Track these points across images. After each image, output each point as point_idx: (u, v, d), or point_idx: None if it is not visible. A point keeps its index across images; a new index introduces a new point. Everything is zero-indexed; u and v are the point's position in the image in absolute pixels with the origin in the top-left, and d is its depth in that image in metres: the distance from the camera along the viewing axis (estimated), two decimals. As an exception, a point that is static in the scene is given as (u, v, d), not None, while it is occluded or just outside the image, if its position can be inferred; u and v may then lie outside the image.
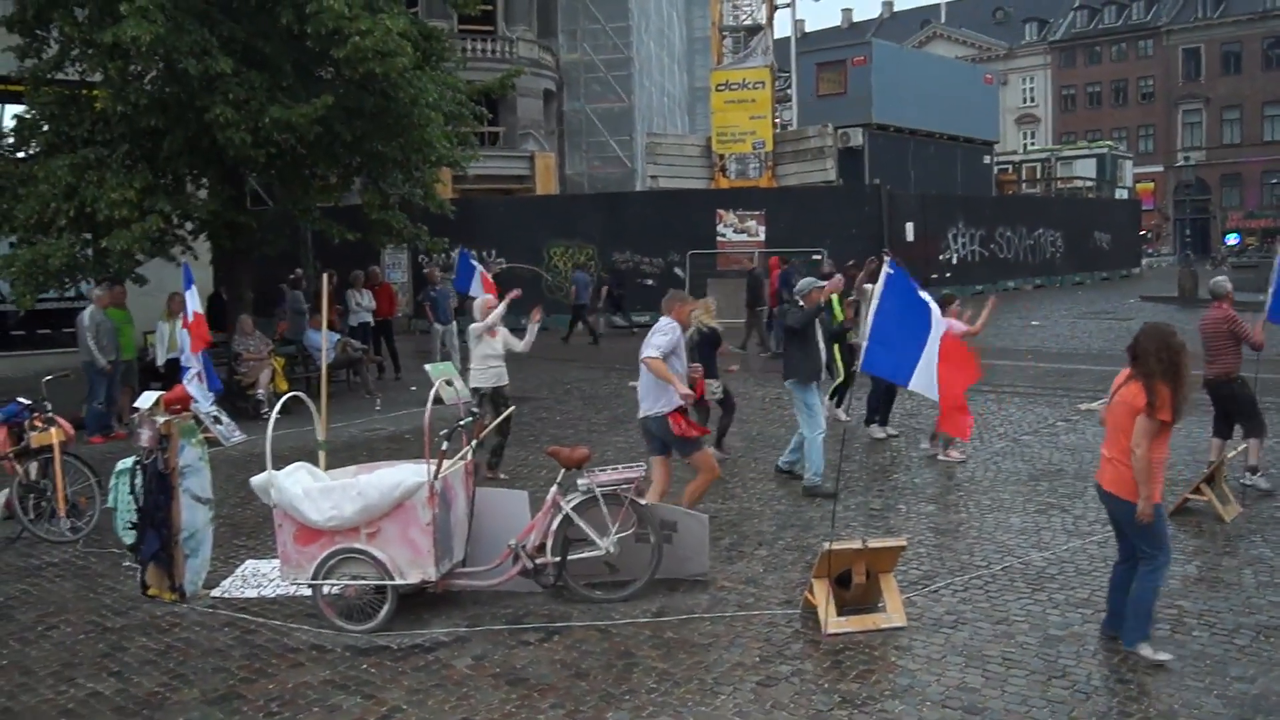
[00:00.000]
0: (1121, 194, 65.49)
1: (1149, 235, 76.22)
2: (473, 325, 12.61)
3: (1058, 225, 46.86)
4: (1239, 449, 11.33)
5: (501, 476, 12.38)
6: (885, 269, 8.65)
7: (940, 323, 8.58)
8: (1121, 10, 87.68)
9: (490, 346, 12.44)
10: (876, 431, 14.63)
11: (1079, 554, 9.32)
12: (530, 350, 12.98)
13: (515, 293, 13.36)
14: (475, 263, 19.63)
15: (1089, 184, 62.96)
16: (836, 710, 6.50)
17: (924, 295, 8.66)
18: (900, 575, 8.48)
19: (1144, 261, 59.88)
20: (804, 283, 12.44)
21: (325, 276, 11.59)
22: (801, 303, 12.05)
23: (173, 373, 16.35)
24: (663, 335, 9.67)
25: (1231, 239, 74.22)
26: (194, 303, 15.47)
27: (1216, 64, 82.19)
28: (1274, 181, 78.36)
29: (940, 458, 13.12)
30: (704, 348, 12.82)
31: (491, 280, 19.03)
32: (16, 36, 17.45)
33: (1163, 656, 7.10)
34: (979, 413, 15.96)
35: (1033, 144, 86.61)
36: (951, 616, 7.98)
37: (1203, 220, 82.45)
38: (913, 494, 11.80)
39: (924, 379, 8.43)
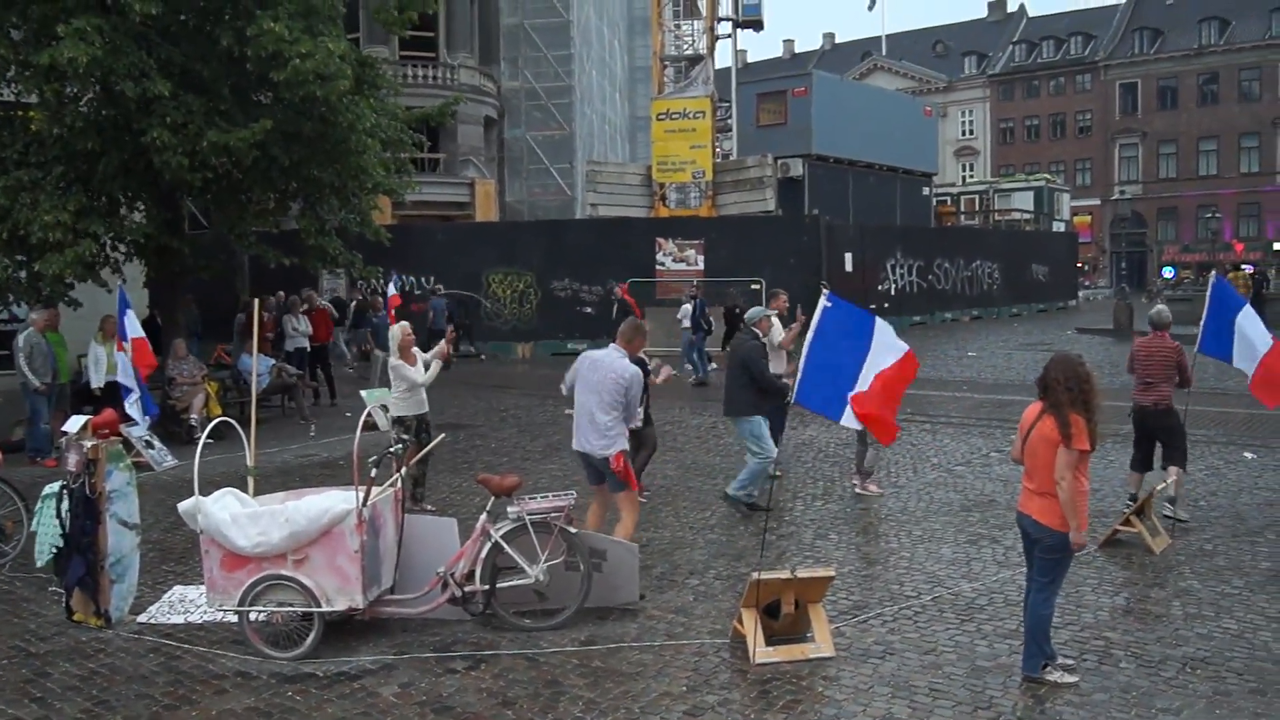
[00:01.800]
0: (1059, 226, 66.23)
1: (1086, 268, 77.08)
2: (391, 361, 12.24)
3: (995, 257, 47.35)
4: (1167, 482, 11.37)
5: (429, 508, 12.12)
6: (823, 301, 8.71)
7: (893, 348, 8.64)
8: (1060, 45, 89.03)
9: (410, 376, 12.05)
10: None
11: (1009, 585, 9.35)
12: (432, 382, 12.37)
13: (445, 343, 13.09)
14: (392, 287, 19.68)
15: (1026, 216, 63.62)
16: (762, 739, 6.51)
17: (880, 330, 8.68)
18: (830, 605, 8.51)
19: (1080, 294, 60.54)
20: (753, 312, 12.51)
21: (256, 301, 11.50)
22: (757, 332, 12.13)
23: (108, 396, 16.20)
24: (633, 393, 9.59)
25: (1168, 272, 75.17)
26: (133, 327, 15.35)
27: (1153, 99, 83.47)
28: (1209, 216, 79.46)
29: (859, 490, 13.10)
30: None
31: (396, 301, 19.04)
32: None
33: (1069, 679, 7.20)
34: (913, 443, 16.11)
35: (971, 176, 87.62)
36: (880, 647, 8.00)
37: (1139, 253, 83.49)
38: (844, 524, 11.84)
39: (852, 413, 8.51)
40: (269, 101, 18.36)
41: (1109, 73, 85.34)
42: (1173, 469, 11.43)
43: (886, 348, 8.64)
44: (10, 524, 10.82)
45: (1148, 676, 7.37)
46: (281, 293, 24.04)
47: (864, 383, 8.51)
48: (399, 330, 12.23)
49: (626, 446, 9.61)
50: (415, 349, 12.25)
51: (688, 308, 25.74)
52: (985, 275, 46.38)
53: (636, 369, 9.70)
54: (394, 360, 12.09)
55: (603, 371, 9.59)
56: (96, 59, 15.23)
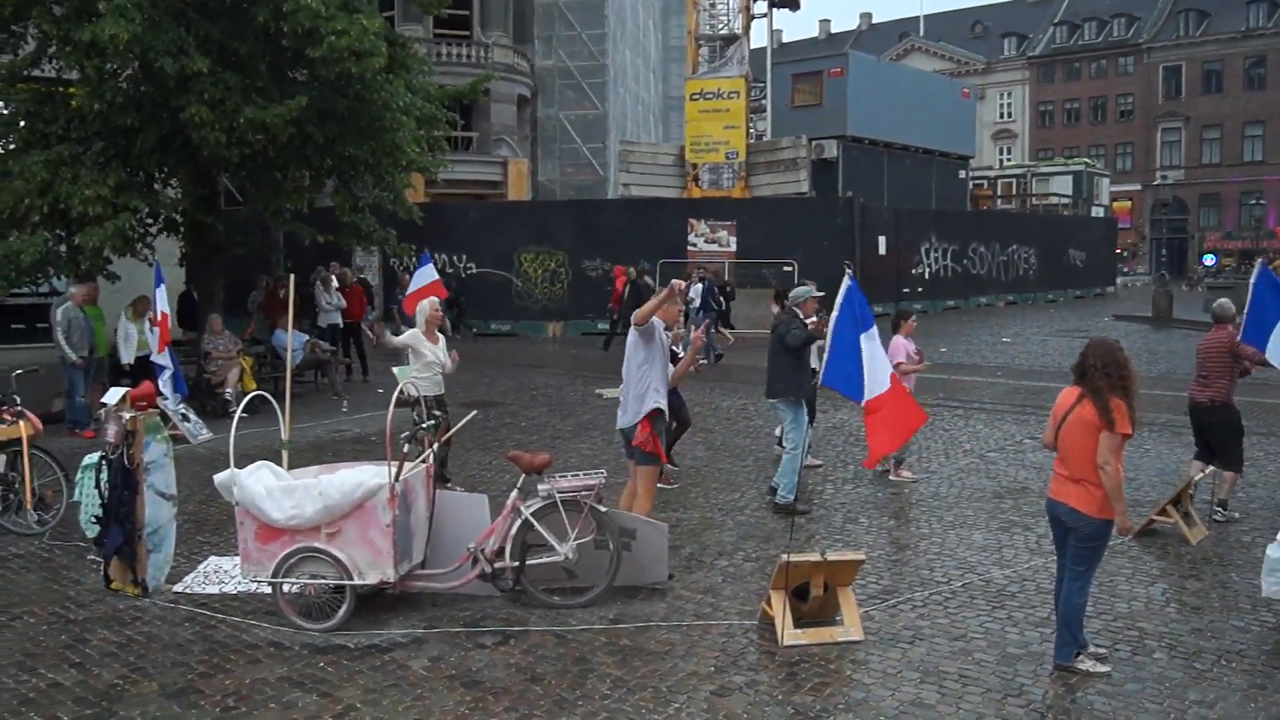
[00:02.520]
0: (1098, 212, 65.61)
1: (1124, 254, 76.38)
2: (409, 332, 12.07)
3: (1032, 242, 46.99)
4: (1207, 470, 11.26)
5: (450, 485, 11.96)
6: (846, 280, 8.70)
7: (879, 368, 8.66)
8: (1102, 27, 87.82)
9: (430, 353, 11.86)
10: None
11: (1040, 572, 9.31)
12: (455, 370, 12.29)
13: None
14: (430, 266, 19.68)
15: (1065, 201, 63.09)
16: (789, 721, 6.53)
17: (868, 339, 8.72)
18: (859, 589, 8.52)
19: (1119, 280, 59.91)
20: (797, 291, 12.29)
21: (291, 278, 11.57)
22: (798, 312, 11.93)
23: (140, 371, 16.40)
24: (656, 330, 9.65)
25: (1209, 260, 74.39)
26: (161, 302, 15.49)
27: (1198, 82, 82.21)
28: (1253, 202, 78.21)
29: (892, 476, 13.08)
30: None
31: (439, 285, 18.96)
32: (-7, 33, 17.47)
33: (1101, 668, 7.17)
34: (945, 429, 16.11)
35: (1009, 159, 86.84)
36: (909, 632, 8.00)
37: (1179, 240, 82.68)
38: (874, 508, 11.84)
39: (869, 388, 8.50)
40: (304, 79, 18.43)
41: (1152, 55, 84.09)
42: (1226, 473, 11.20)
43: (873, 360, 8.62)
44: (50, 493, 11.01)
45: (1182, 668, 7.32)
46: (334, 265, 24.17)
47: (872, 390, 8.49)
48: (428, 305, 12.15)
49: (659, 406, 9.62)
50: (439, 332, 12.15)
51: (698, 287, 25.92)
52: (1021, 260, 46.06)
53: (660, 322, 9.72)
54: (415, 333, 11.92)
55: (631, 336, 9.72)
56: (137, 35, 15.33)
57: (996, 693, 6.93)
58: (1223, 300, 11.83)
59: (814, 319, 12.02)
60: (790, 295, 12.44)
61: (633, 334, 9.67)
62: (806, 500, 11.84)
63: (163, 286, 15.50)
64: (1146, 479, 12.56)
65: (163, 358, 15.53)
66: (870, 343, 8.58)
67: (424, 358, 11.82)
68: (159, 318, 15.39)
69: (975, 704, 6.77)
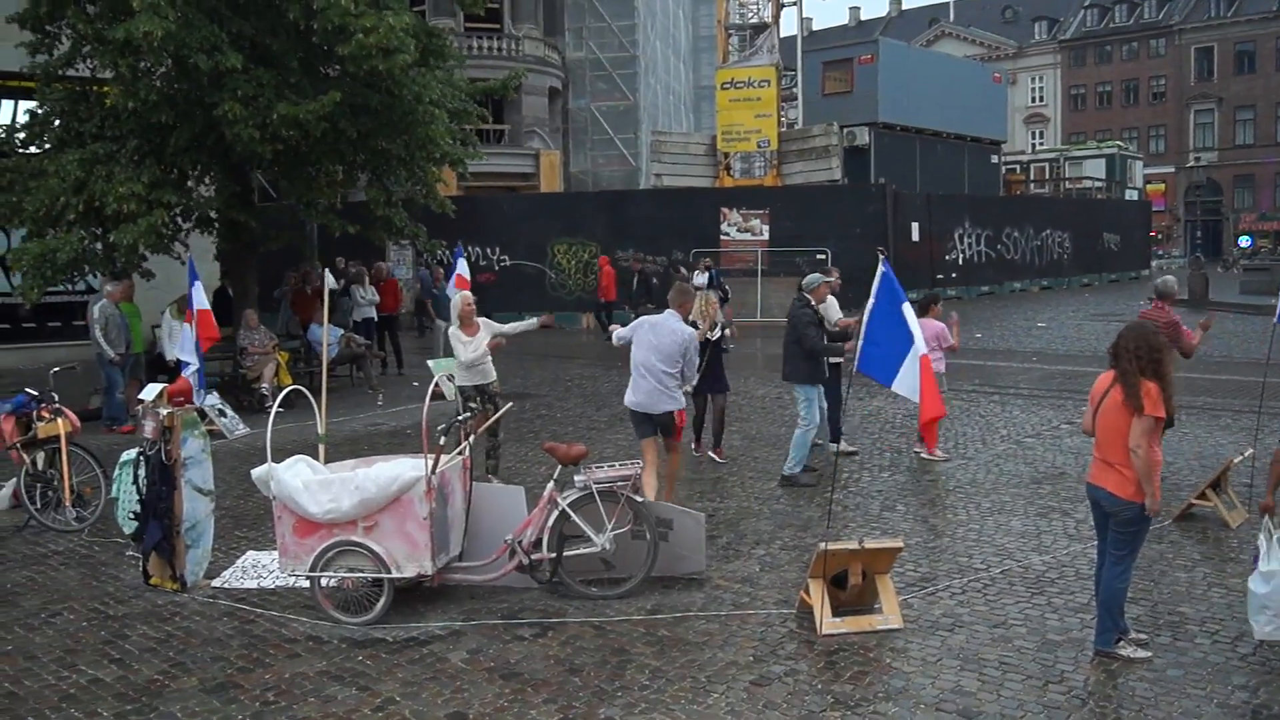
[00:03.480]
0: (1131, 195, 65.00)
1: (1159, 237, 75.81)
2: (450, 329, 12.05)
3: (1065, 226, 46.67)
4: (1246, 454, 11.13)
5: (490, 479, 11.88)
6: (880, 267, 8.75)
7: (920, 337, 8.81)
8: (1133, 9, 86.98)
9: (462, 349, 11.77)
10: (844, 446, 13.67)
11: (1079, 558, 9.26)
12: (511, 342, 12.60)
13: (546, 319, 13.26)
14: (461, 259, 19.77)
15: (1098, 184, 62.59)
16: (829, 711, 6.50)
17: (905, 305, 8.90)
18: (898, 577, 8.49)
19: (1154, 263, 59.36)
20: (809, 279, 12.53)
21: (326, 272, 11.60)
22: (810, 299, 12.20)
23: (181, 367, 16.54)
24: (692, 364, 9.97)
25: (1245, 241, 73.72)
26: (199, 299, 15.55)
27: (1230, 63, 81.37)
28: (1287, 183, 77.71)
29: (925, 455, 13.18)
30: None
31: (466, 277, 19.11)
32: (29, 33, 17.59)
33: (1142, 654, 7.11)
34: (981, 415, 16.05)
35: (1041, 144, 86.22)
36: (948, 619, 7.96)
37: (1214, 222, 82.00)
38: (911, 495, 11.80)
39: (907, 382, 8.65)
40: (336, 75, 18.48)
41: (1184, 37, 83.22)
42: None
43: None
44: (89, 490, 11.11)
45: (1223, 653, 7.26)
46: (340, 260, 24.24)
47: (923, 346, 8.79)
48: (460, 300, 12.16)
49: (684, 404, 10.01)
50: (480, 319, 12.08)
51: (704, 276, 26.03)
52: (1055, 245, 45.76)
53: (693, 331, 9.96)
54: (452, 329, 11.99)
55: (662, 334, 9.99)
56: (170, 33, 15.39)
57: (1037, 680, 6.88)
58: (1167, 278, 12.02)
59: (841, 315, 12.26)
60: (803, 283, 12.68)
61: (684, 335, 9.99)
62: (841, 484, 11.84)
63: (199, 282, 15.55)
64: (1184, 462, 12.46)
65: (188, 354, 15.55)
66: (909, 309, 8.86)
67: (457, 356, 11.75)
68: (196, 314, 15.42)
69: (1016, 691, 6.73)
